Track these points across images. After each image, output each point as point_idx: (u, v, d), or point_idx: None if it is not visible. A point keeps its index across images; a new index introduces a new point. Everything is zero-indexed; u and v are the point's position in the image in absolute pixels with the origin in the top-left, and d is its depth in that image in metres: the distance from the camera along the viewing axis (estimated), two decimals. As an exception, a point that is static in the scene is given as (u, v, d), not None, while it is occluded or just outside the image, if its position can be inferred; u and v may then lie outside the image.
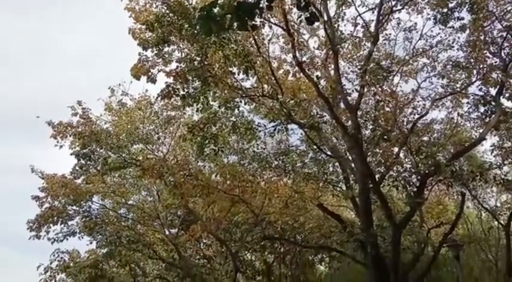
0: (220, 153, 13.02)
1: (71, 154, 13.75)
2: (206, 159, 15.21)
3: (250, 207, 13.60)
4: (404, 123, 12.02)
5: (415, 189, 11.24)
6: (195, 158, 15.18)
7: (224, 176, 13.64)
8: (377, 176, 11.31)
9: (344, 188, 13.15)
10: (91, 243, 16.22)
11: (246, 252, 18.81)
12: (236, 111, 11.76)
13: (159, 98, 11.06)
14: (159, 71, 9.92)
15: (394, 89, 11.95)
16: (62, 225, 14.78)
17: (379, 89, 11.51)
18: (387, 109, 11.57)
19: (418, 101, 12.41)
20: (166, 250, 18.30)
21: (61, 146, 13.61)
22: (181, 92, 10.31)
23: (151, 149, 16.40)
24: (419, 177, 11.24)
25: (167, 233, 17.95)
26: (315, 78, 11.12)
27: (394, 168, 11.51)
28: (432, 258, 12.68)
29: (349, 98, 12.00)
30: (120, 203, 17.93)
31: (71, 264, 14.44)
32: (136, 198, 19.22)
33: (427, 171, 10.74)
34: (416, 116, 11.93)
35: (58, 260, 14.47)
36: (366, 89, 11.51)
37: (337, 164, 13.37)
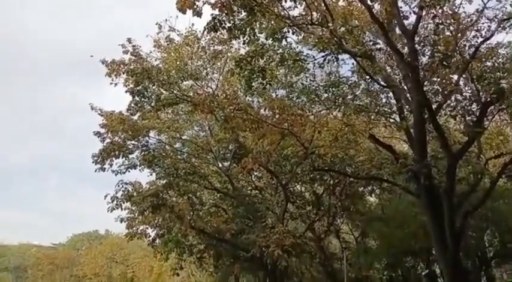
0: (268, 87, 12.93)
1: (126, 91, 14.28)
2: (254, 94, 15.23)
3: (300, 141, 13.66)
4: (466, 48, 11.04)
5: (475, 119, 10.67)
6: (244, 92, 15.21)
7: (273, 110, 13.67)
8: (434, 105, 10.79)
9: (397, 119, 12.74)
10: (151, 174, 17.37)
11: (296, 183, 19.33)
12: (284, 42, 11.33)
13: (205, 32, 10.89)
14: (204, 3, 9.63)
15: (456, 10, 10.85)
16: (124, 159, 15.79)
17: (439, 10, 10.49)
18: (447, 33, 10.63)
19: (482, 23, 11.16)
20: (220, 181, 19.22)
21: (116, 84, 14.12)
22: (228, 24, 10.05)
23: (201, 85, 16.65)
24: (479, 106, 10.62)
25: (220, 165, 18.76)
26: (368, 1, 10.36)
27: (453, 97, 10.90)
28: (489, 189, 12.27)
29: (405, 22, 11.11)
30: (175, 137, 18.77)
31: (134, 194, 15.56)
32: (190, 133, 20.03)
33: (488, 99, 10.08)
34: (480, 40, 10.87)
35: (122, 190, 15.63)
36: (424, 11, 10.58)
37: (390, 94, 12.88)
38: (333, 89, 13.18)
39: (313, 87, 13.46)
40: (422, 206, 12.06)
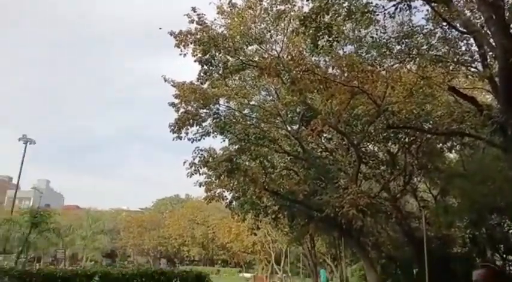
0: (335, 44, 12.47)
1: (194, 61, 14.65)
2: (321, 53, 14.81)
3: (372, 98, 13.14)
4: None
5: None
6: (310, 52, 14.85)
7: (341, 68, 13.22)
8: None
9: (480, 68, 11.68)
10: (223, 141, 18.00)
11: (368, 143, 18.82)
12: (350, -6, 10.77)
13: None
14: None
15: None
16: (197, 127, 16.45)
17: None
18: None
19: None
20: (290, 144, 19.31)
21: (185, 55, 14.49)
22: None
23: (266, 49, 16.53)
24: None
25: (289, 129, 18.78)
26: None
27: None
28: None
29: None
30: (243, 103, 19.05)
31: (210, 160, 16.27)
32: (257, 98, 20.20)
33: None
34: None
35: (199, 157, 16.42)
36: None
37: (471, 41, 11.77)
38: (406, 40, 12.37)
39: (384, 40, 12.74)
40: (509, 160, 11.16)
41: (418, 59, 12.08)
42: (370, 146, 19.43)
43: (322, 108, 15.66)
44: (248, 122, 18.46)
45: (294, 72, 13.16)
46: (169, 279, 8.96)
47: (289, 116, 18.71)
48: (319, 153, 19.95)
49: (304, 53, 14.98)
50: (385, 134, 16.43)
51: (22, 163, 47.57)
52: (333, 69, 14.13)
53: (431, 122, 14.33)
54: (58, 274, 7.91)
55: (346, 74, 13.02)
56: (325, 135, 19.02)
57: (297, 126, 18.23)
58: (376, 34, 12.53)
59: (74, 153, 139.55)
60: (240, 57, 15.37)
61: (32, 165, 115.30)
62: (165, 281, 8.87)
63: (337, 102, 14.12)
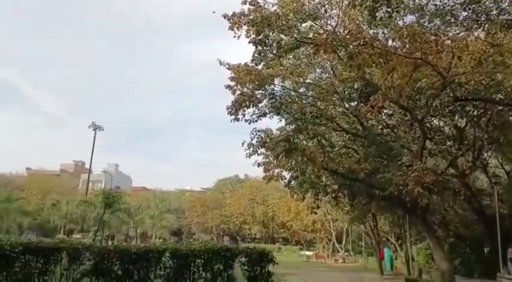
0: (394, 15, 11.83)
1: (249, 42, 14.64)
2: (379, 25, 14.16)
3: (436, 70, 12.39)
4: None
5: None
6: (368, 25, 14.24)
7: (402, 40, 12.53)
8: None
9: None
10: (280, 121, 17.98)
11: (433, 118, 17.89)
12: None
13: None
14: None
15: None
16: (254, 108, 16.54)
17: None
18: None
19: None
20: (348, 122, 18.86)
21: (239, 37, 14.52)
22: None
23: (320, 24, 16.06)
24: None
25: (347, 106, 18.30)
26: None
27: None
28: None
29: None
30: (299, 82, 18.80)
31: (267, 140, 16.37)
32: (313, 76, 19.81)
33: None
34: None
35: (256, 138, 16.59)
36: None
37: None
38: (473, 5, 11.41)
39: (448, 7, 11.87)
40: None
41: (486, 25, 11.11)
42: (435, 121, 18.48)
43: (382, 83, 15.04)
44: (304, 101, 18.23)
45: (351, 46, 12.70)
46: (234, 256, 9.28)
47: (346, 92, 18.21)
48: (379, 130, 19.32)
49: (362, 26, 14.38)
50: (451, 108, 15.51)
51: (93, 149, 51.22)
52: (393, 41, 13.47)
53: (502, 92, 13.25)
54: (132, 250, 8.52)
55: (407, 46, 12.34)
56: (385, 111, 18.36)
57: (355, 103, 17.72)
58: (440, 1, 11.70)
59: (139, 138, 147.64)
60: (294, 35, 15.10)
61: (102, 151, 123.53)
62: (230, 257, 9.20)
63: (399, 75, 13.46)
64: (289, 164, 18.42)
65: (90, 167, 54.26)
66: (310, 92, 19.03)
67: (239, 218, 71.24)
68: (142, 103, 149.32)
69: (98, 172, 77.84)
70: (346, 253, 48.03)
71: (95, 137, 49.54)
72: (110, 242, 41.19)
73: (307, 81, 19.08)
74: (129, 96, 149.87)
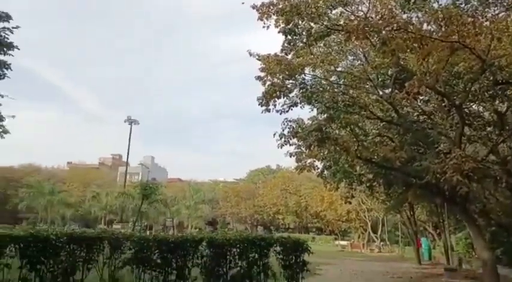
0: (429, -4, 11.40)
1: (278, 32, 14.55)
2: (413, 8, 13.72)
3: (475, 53, 11.87)
4: None
5: None
6: (401, 9, 13.81)
7: (437, 23, 12.08)
8: None
9: None
10: (312, 110, 17.78)
11: (472, 103, 17.20)
12: None
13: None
14: None
15: None
16: (285, 98, 16.46)
17: None
18: None
19: None
20: (382, 110, 18.45)
21: (268, 27, 14.45)
22: None
23: (351, 10, 15.73)
24: None
25: (380, 93, 17.87)
26: None
27: None
28: None
29: None
30: (330, 71, 18.52)
31: (299, 130, 16.29)
32: (344, 64, 19.46)
33: None
34: None
35: (288, 128, 16.53)
36: None
37: None
38: (514, -17, 10.81)
39: (487, -14, 11.29)
40: None
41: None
42: (474, 106, 17.75)
43: (417, 68, 14.57)
44: (336, 90, 17.94)
45: (384, 32, 12.36)
46: (269, 245, 9.36)
47: (380, 79, 17.78)
48: (415, 117, 18.77)
49: (395, 10, 13.95)
50: (491, 92, 14.85)
51: (129, 142, 52.84)
52: (427, 25, 12.98)
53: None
54: (170, 240, 8.77)
55: (443, 29, 11.87)
56: (421, 97, 17.79)
57: (390, 89, 17.27)
58: (477, -20, 11.16)
59: (173, 131, 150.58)
60: (324, 23, 14.85)
61: (138, 144, 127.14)
62: (265, 246, 9.29)
63: (435, 60, 13.01)
64: (322, 154, 18.27)
65: (127, 160, 56.06)
66: (342, 80, 18.71)
67: (272, 208, 71.57)
68: (176, 97, 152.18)
69: (135, 165, 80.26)
70: (382, 243, 47.36)
71: (130, 131, 51.03)
72: (148, 232, 42.57)
73: (339, 69, 18.78)
74: (163, 91, 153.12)
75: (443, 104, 17.10)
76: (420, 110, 18.85)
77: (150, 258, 8.54)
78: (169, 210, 58.03)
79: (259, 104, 16.39)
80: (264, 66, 16.31)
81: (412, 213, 29.73)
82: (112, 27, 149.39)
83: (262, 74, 16.55)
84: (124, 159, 71.48)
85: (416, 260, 28.06)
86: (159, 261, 8.59)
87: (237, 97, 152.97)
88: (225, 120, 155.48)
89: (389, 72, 17.13)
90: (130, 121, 51.60)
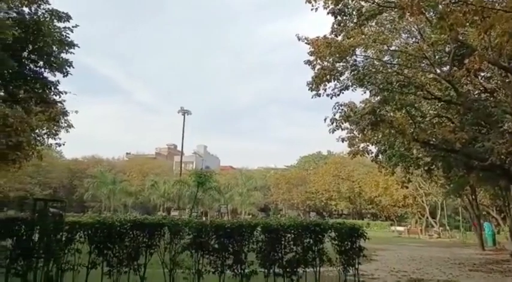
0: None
1: (327, 13, 14.19)
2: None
3: (545, 22, 10.84)
4: None
5: None
6: (459, -20, 12.86)
7: (501, -8, 11.19)
8: None
9: None
10: (364, 93, 17.29)
11: (542, 77, 15.84)
12: None
13: None
14: None
15: None
16: (335, 82, 16.11)
17: None
18: None
19: None
20: (440, 89, 17.53)
21: (316, 9, 14.12)
22: None
23: (404, -14, 14.96)
24: None
25: (438, 71, 16.96)
26: None
27: None
28: None
29: None
30: (382, 50, 17.81)
31: (351, 114, 15.91)
32: (398, 42, 18.62)
33: None
34: None
35: (339, 112, 16.20)
36: None
37: None
38: None
39: None
40: None
41: None
42: (544, 80, 16.35)
43: (478, 43, 13.64)
44: (389, 70, 17.26)
45: (442, 6, 11.65)
46: (324, 231, 9.28)
47: (437, 57, 16.84)
48: (476, 96, 17.67)
49: (451, -18, 13.07)
50: None
51: (183, 132, 54.51)
52: (490, -5, 12.07)
53: None
54: (226, 225, 8.98)
55: (507, -1, 10.97)
56: (483, 74, 16.71)
57: (448, 67, 16.31)
58: None
59: (224, 119, 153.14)
60: (376, 0, 14.27)
61: (191, 133, 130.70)
62: (320, 232, 9.22)
63: (498, 33, 12.03)
64: (376, 138, 17.78)
65: (182, 149, 57.93)
66: (396, 59, 17.95)
67: (324, 194, 70.97)
68: (226, 86, 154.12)
69: (189, 154, 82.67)
70: (441, 228, 45.50)
71: (184, 121, 52.54)
72: (204, 218, 43.98)
73: (392, 48, 17.99)
74: (213, 81, 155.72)
75: (507, 80, 15.92)
76: (482, 88, 17.71)
77: (208, 243, 8.80)
78: (223, 197, 59.44)
79: (309, 89, 16.18)
80: (313, 49, 16.03)
81: (474, 197, 28.21)
82: (162, 20, 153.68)
83: (312, 58, 16.29)
84: (179, 148, 73.97)
85: (479, 245, 26.70)
86: (216, 246, 8.82)
87: (285, 83, 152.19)
88: (274, 107, 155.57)
89: (447, 49, 16.21)
90: (184, 111, 53.09)
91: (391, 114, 16.60)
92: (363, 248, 9.54)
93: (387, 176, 27.58)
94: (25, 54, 13.81)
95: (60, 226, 7.07)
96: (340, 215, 73.48)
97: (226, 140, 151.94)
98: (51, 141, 16.98)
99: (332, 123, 16.34)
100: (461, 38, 14.78)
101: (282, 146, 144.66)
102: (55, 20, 13.67)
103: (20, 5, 13.13)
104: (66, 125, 16.79)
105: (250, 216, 60.64)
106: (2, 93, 14.72)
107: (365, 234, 9.63)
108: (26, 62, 13.96)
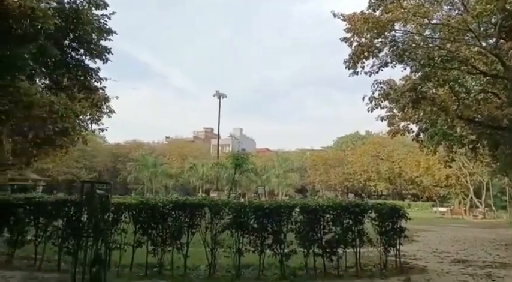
0: None
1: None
2: None
3: None
4: None
5: None
6: None
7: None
8: None
9: None
10: (404, 69, 16.66)
11: None
12: None
13: None
14: None
15: None
16: (373, 59, 15.65)
17: None
18: None
19: None
20: (486, 63, 16.58)
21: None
22: None
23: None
24: None
25: (483, 44, 16.04)
26: None
27: None
28: None
29: None
30: (423, 24, 17.00)
31: (391, 92, 15.44)
32: (440, 15, 17.71)
33: None
34: None
35: (378, 90, 15.77)
36: None
37: None
38: None
39: None
40: None
41: None
42: None
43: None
44: (431, 45, 16.50)
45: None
46: (364, 211, 9.18)
47: (482, 29, 15.90)
48: (526, 69, 16.58)
49: None
50: None
51: (219, 115, 55.06)
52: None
53: None
54: (265, 206, 9.07)
55: None
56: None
57: (494, 39, 15.40)
58: None
59: (260, 101, 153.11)
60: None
61: (227, 117, 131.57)
62: (360, 212, 9.13)
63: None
64: (417, 116, 17.23)
65: (219, 132, 58.57)
66: (438, 33, 17.11)
67: (363, 175, 69.91)
68: (259, 68, 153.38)
69: (225, 137, 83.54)
70: (486, 208, 43.79)
71: (220, 105, 52.96)
72: (242, 199, 44.68)
73: (433, 21, 17.13)
74: (248, 63, 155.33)
75: None
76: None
77: (247, 223, 8.93)
78: (260, 178, 59.96)
79: (346, 67, 15.83)
80: (349, 26, 15.59)
81: (523, 176, 26.87)
82: (196, 4, 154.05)
83: (348, 35, 15.86)
84: (215, 131, 74.97)
85: (529, 227, 25.56)
86: (255, 225, 8.94)
87: (320, 63, 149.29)
88: (310, 88, 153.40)
89: (493, 20, 15.27)
90: (219, 95, 53.45)
91: (433, 90, 15.98)
92: (405, 229, 9.39)
93: (429, 156, 26.73)
94: (66, 42, 14.27)
95: (106, 207, 7.38)
96: (380, 196, 72.28)
97: (262, 122, 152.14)
98: (94, 126, 17.68)
99: (371, 102, 15.96)
100: (508, 7, 13.85)
101: (318, 127, 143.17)
102: (93, 8, 13.99)
103: (59, -6, 13.51)
104: (107, 110, 17.40)
105: (288, 197, 60.94)
106: (47, 82, 15.39)
107: (406, 214, 9.46)
108: (68, 50, 14.43)
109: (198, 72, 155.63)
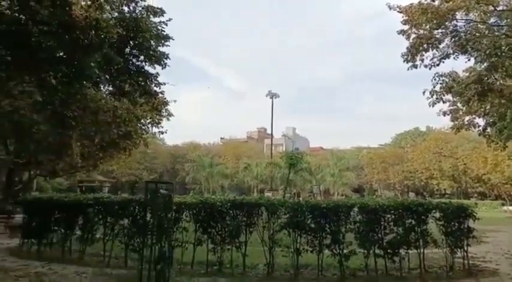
0: None
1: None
2: None
3: None
4: None
5: None
6: None
7: None
8: None
9: None
10: (468, 60, 15.69)
11: None
12: None
13: None
14: None
15: None
16: (434, 51, 14.89)
17: None
18: None
19: None
20: None
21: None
22: None
23: None
24: None
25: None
26: None
27: None
28: None
29: None
30: (487, 12, 15.92)
31: (454, 84, 14.61)
32: (506, 1, 16.45)
33: None
34: None
35: (440, 83, 14.98)
36: None
37: None
38: None
39: None
40: None
41: None
42: None
43: None
44: (497, 33, 15.38)
45: None
46: (427, 211, 8.77)
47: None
48: None
49: None
50: None
51: (272, 115, 55.44)
52: None
53: None
54: (322, 205, 8.97)
55: None
56: None
57: None
58: None
59: (311, 100, 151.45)
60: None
61: (280, 116, 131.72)
62: (423, 212, 8.74)
63: None
64: (483, 109, 16.18)
65: (272, 132, 58.89)
66: (504, 20, 15.91)
67: (424, 173, 66.77)
68: (311, 65, 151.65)
69: (278, 136, 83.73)
70: None
71: (272, 105, 53.36)
72: (297, 199, 44.47)
73: (499, 8, 15.96)
74: (300, 60, 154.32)
75: None
76: None
77: (304, 222, 8.87)
78: (315, 178, 59.33)
79: (404, 61, 15.23)
80: (406, 18, 14.99)
81: None
82: (243, 3, 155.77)
83: (406, 27, 15.26)
84: (268, 131, 75.45)
85: None
86: (312, 225, 8.86)
87: (374, 57, 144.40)
88: (364, 84, 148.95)
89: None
90: (272, 95, 53.66)
91: (501, 82, 14.89)
92: (472, 229, 8.86)
93: (497, 151, 24.99)
94: (127, 50, 15.03)
95: (169, 206, 7.68)
96: (443, 194, 68.67)
97: (315, 121, 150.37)
98: (154, 129, 18.50)
99: (432, 96, 15.26)
100: None
101: (374, 124, 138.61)
102: (151, 16, 14.62)
103: (120, 5, 14.27)
104: (166, 113, 18.13)
105: (344, 196, 59.73)
106: (110, 88, 16.32)
107: (474, 213, 8.92)
108: (129, 58, 15.20)
109: (251, 73, 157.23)
